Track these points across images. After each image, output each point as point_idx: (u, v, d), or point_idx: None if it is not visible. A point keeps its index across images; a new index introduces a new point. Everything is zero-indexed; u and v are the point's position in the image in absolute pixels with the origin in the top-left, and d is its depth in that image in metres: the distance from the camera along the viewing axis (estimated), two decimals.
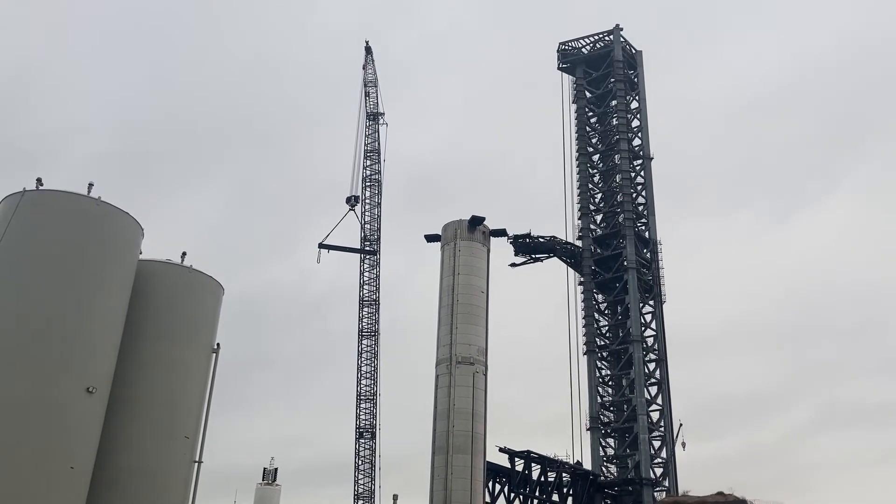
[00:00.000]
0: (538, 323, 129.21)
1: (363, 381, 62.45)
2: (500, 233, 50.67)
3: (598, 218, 76.34)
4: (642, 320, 70.92)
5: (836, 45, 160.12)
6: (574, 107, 79.75)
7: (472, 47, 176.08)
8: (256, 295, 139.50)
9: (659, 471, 66.89)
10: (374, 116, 68.26)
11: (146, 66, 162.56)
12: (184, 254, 31.77)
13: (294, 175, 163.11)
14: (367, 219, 65.47)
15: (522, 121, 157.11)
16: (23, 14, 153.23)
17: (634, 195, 75.03)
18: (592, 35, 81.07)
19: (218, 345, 32.03)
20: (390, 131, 69.13)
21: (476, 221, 47.79)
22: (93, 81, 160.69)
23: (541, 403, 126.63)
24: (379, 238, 65.33)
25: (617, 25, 79.76)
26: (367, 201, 65.92)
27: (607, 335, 72.95)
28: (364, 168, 66.72)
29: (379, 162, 67.03)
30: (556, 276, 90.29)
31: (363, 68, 69.64)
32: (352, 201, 65.36)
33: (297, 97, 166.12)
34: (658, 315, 71.46)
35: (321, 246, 63.93)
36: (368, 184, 66.38)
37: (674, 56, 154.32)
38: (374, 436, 61.28)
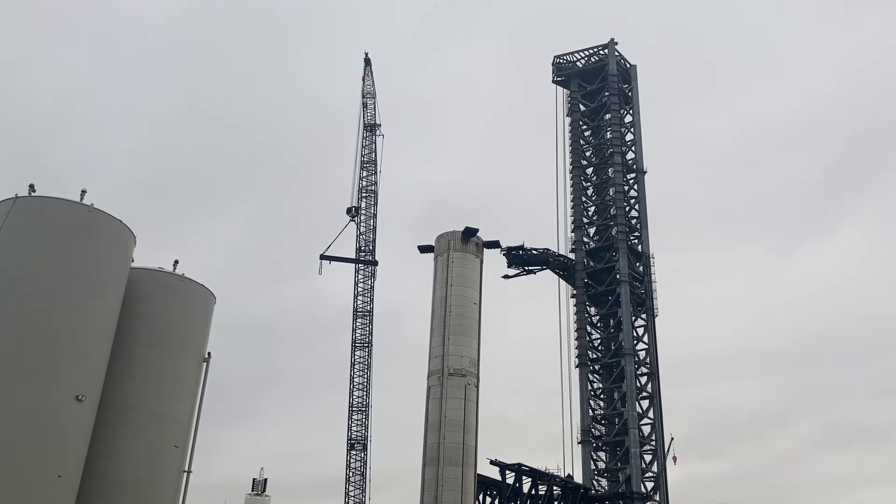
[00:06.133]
0: (531, 335, 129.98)
1: (356, 393, 62.42)
2: (494, 244, 50.80)
3: (592, 231, 76.56)
4: (634, 334, 71.01)
5: (840, 81, 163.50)
6: (568, 120, 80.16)
7: (474, 64, 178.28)
8: (275, 314, 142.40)
9: (650, 485, 66.82)
10: (371, 128, 68.54)
11: (176, 99, 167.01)
12: (176, 262, 31.68)
13: (316, 198, 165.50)
14: (362, 229, 65.62)
15: (518, 135, 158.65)
16: (67, 46, 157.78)
17: (628, 209, 75.28)
18: (587, 49, 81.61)
19: (209, 354, 31.88)
20: (405, 155, 70.03)
21: (469, 233, 47.85)
22: (125, 110, 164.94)
23: (533, 416, 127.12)
24: (374, 249, 65.45)
25: (612, 40, 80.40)
26: (364, 212, 66.08)
27: (599, 348, 72.98)
28: (360, 179, 66.94)
29: (375, 173, 67.28)
30: (550, 289, 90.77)
31: (362, 80, 70.01)
32: (352, 212, 65.57)
33: (323, 127, 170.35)
34: (650, 329, 71.59)
35: (322, 257, 64.13)
36: (364, 195, 66.56)
37: (686, 88, 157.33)
38: (365, 447, 61.12)
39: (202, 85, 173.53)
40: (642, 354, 70.85)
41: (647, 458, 67.59)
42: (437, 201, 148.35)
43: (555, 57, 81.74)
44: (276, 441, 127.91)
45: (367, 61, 70.13)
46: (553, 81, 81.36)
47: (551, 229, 74.79)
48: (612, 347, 71.25)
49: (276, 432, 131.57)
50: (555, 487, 58.73)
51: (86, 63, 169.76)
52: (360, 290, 64.48)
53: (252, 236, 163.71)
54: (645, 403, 69.41)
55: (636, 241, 74.50)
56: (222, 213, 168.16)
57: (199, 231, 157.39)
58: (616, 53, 79.80)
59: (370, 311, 64.16)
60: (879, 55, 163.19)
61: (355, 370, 62.71)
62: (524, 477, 56.56)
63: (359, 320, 63.86)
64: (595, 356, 72.36)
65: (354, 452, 60.97)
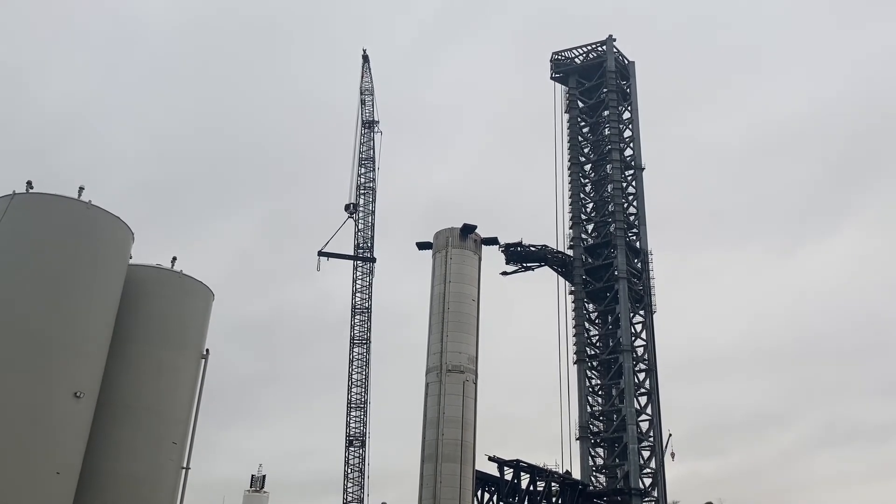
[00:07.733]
0: (529, 332, 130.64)
1: (354, 390, 62.45)
2: (492, 241, 50.76)
3: (590, 227, 76.58)
4: (633, 330, 71.08)
5: (841, 82, 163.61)
6: (566, 116, 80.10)
7: (475, 63, 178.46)
8: (278, 315, 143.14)
9: (648, 481, 66.93)
10: (369, 125, 68.58)
11: (177, 101, 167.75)
12: (174, 258, 31.70)
13: (318, 196, 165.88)
14: (360, 226, 65.66)
15: (518, 132, 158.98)
16: (73, 51, 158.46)
17: (626, 205, 75.32)
18: (585, 45, 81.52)
19: (207, 350, 31.92)
20: (406, 154, 70.16)
21: (468, 229, 47.83)
22: (129, 115, 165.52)
23: (531, 413, 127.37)
24: (372, 246, 65.50)
25: (610, 36, 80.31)
26: (362, 209, 66.15)
27: (597, 345, 73.04)
28: (359, 176, 66.99)
29: (373, 170, 67.29)
30: (548, 286, 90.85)
31: (360, 77, 70.03)
32: (350, 209, 65.61)
33: (326, 128, 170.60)
34: (648, 325, 71.67)
35: (321, 254, 64.19)
36: (363, 191, 66.58)
37: (686, 87, 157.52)
38: (363, 444, 61.19)
39: (202, 86, 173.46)
40: (640, 351, 70.95)
41: (646, 454, 67.71)
42: (438, 200, 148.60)
43: (553, 53, 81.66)
44: (277, 439, 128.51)
45: (366, 58, 70.17)
46: (551, 78, 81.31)
47: (550, 226, 74.92)
48: (611, 344, 71.33)
49: (277, 430, 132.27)
50: (553, 483, 58.85)
51: (92, 68, 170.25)
52: (358, 286, 64.60)
53: (254, 237, 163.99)
54: (643, 400, 69.53)
55: (634, 237, 74.53)
56: (225, 215, 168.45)
57: (202, 233, 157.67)
58: (614, 50, 79.74)
59: (368, 308, 64.21)
60: (881, 55, 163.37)
61: (354, 367, 62.80)
62: (522, 473, 56.66)
63: (357, 317, 63.94)
64: (593, 353, 72.43)
65: (353, 449, 61.04)
